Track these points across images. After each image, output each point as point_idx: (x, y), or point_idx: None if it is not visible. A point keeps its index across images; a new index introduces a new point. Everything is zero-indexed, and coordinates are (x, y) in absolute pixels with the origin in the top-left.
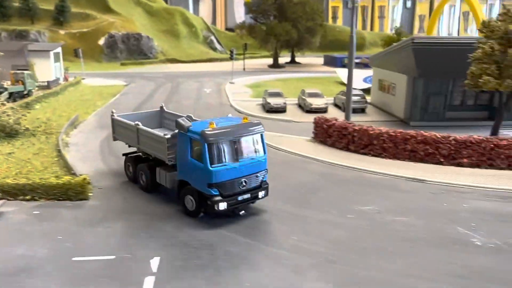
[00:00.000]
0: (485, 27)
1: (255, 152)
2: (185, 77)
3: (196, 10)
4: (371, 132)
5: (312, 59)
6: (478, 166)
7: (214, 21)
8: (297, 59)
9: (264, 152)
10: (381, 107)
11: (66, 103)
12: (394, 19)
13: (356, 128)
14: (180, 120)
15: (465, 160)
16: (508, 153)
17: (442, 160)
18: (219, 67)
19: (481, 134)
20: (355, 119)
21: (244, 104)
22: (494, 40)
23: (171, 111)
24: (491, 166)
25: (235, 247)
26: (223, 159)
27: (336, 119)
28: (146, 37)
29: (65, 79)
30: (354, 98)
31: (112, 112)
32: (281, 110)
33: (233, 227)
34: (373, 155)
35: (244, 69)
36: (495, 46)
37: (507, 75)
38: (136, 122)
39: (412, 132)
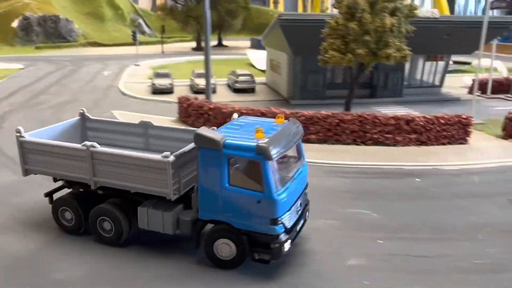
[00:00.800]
0: (338, 2)
1: (299, 161)
2: (94, 60)
3: None
4: (224, 111)
5: (240, 42)
6: (325, 141)
7: (153, 4)
8: (225, 43)
9: (304, 159)
10: (273, 87)
11: None
12: (333, 1)
13: (211, 106)
14: (202, 132)
15: (313, 136)
16: (352, 128)
17: None
18: (142, 50)
19: (361, 111)
20: (241, 98)
21: (135, 86)
22: (342, 15)
23: (100, 118)
24: (338, 142)
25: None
26: (283, 180)
27: (196, 98)
28: (65, 20)
29: None
30: (242, 78)
31: (19, 132)
32: (167, 91)
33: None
34: None
35: (163, 52)
36: (339, 20)
37: (350, 50)
38: (91, 143)
39: (263, 109)
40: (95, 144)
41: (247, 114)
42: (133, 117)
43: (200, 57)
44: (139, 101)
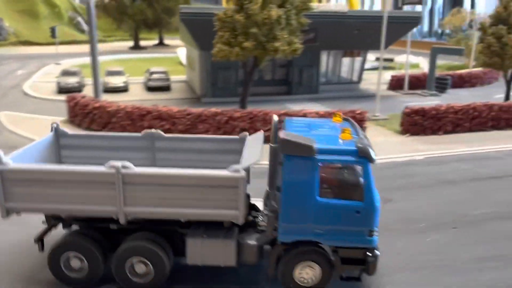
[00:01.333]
0: None
1: None
2: (15, 59)
3: None
4: (109, 109)
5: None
6: None
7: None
8: (167, 41)
9: None
10: (190, 84)
11: None
12: None
13: (96, 105)
14: (290, 137)
15: (201, 135)
16: (242, 126)
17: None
18: (76, 49)
19: (277, 108)
20: (153, 97)
21: (44, 85)
22: (235, 7)
23: (82, 133)
24: None
25: None
26: None
27: (83, 96)
28: None
29: None
30: (155, 76)
31: None
32: (75, 90)
33: None
34: None
35: None
36: (228, 12)
37: (238, 43)
38: (121, 163)
39: (149, 107)
40: (127, 163)
41: (132, 112)
42: (20, 118)
43: (132, 56)
44: (39, 101)
